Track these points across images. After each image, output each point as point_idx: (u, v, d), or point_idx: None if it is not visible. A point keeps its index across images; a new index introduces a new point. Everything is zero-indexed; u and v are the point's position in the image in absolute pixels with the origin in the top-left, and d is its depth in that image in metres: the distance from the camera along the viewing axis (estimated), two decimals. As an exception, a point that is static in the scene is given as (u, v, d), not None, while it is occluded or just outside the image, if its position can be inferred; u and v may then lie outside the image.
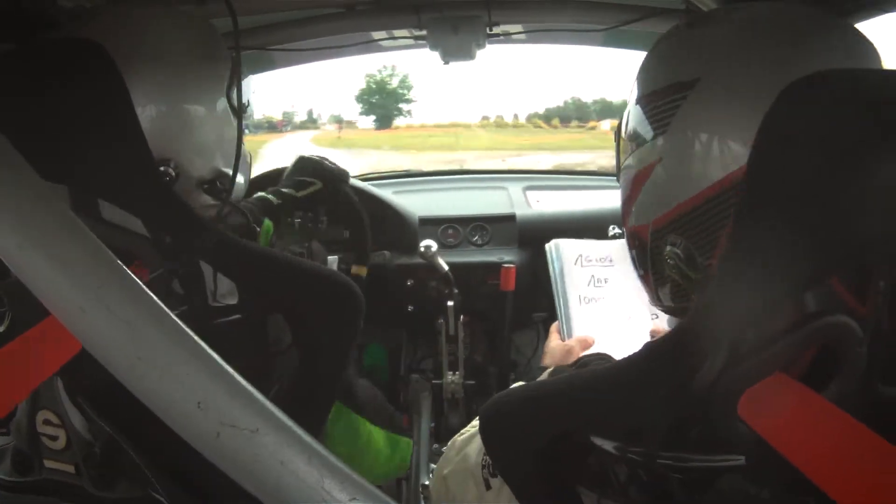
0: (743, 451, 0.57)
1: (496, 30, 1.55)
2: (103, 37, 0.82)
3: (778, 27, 0.67)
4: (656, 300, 0.78)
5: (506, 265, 1.89)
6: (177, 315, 0.53)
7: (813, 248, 0.54)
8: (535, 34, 1.66)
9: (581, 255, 1.22)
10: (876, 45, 0.68)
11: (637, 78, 0.75)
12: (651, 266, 0.74)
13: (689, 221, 0.67)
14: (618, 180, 0.81)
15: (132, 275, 0.54)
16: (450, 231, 2.11)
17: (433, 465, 1.77)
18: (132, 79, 0.83)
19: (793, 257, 0.53)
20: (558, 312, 1.18)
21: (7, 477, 0.83)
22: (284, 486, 0.50)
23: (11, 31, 0.88)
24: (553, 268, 1.21)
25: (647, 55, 0.76)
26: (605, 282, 1.20)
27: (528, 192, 2.35)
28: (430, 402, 1.99)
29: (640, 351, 0.64)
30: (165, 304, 0.54)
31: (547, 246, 1.21)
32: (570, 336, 1.15)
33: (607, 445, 0.64)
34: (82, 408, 0.77)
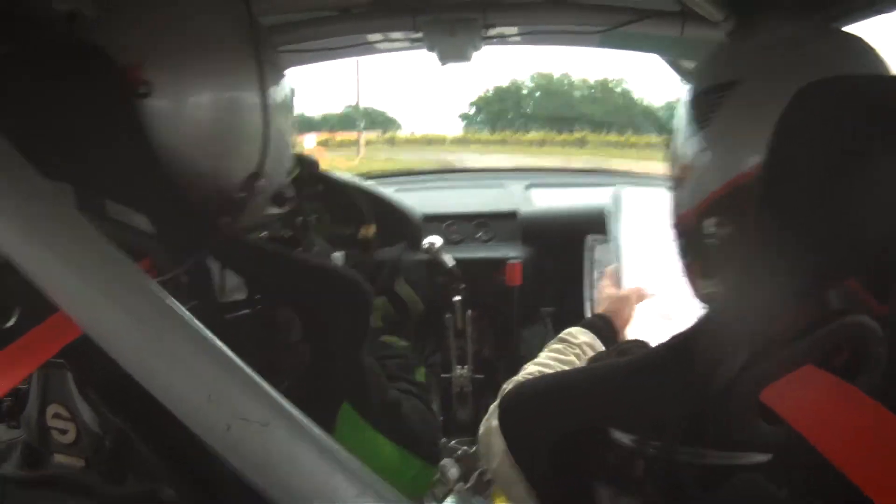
0: (762, 449, 0.57)
1: (492, 32, 1.56)
2: (127, 38, 0.82)
3: (805, 43, 0.74)
4: (697, 289, 0.82)
5: (511, 261, 1.89)
6: (186, 310, 0.53)
7: (830, 248, 0.54)
8: (531, 36, 1.67)
9: (642, 206, 1.26)
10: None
11: (689, 81, 0.82)
12: (695, 248, 0.78)
13: (724, 203, 0.72)
14: (671, 180, 0.86)
15: (140, 269, 0.54)
16: (453, 227, 2.12)
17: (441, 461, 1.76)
18: (161, 81, 0.82)
19: (810, 257, 0.54)
20: (615, 256, 1.22)
21: (17, 471, 0.82)
22: (295, 479, 0.50)
23: (8, 33, 0.87)
24: (613, 213, 1.25)
25: (698, 63, 0.83)
26: (664, 234, 1.23)
27: (530, 190, 2.36)
28: (440, 397, 2.00)
29: (662, 345, 0.65)
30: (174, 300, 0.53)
31: (612, 192, 1.27)
32: (622, 277, 1.18)
33: (625, 439, 0.65)
34: (92, 401, 0.76)
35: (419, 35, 1.54)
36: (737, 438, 0.57)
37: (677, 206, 0.82)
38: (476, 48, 1.56)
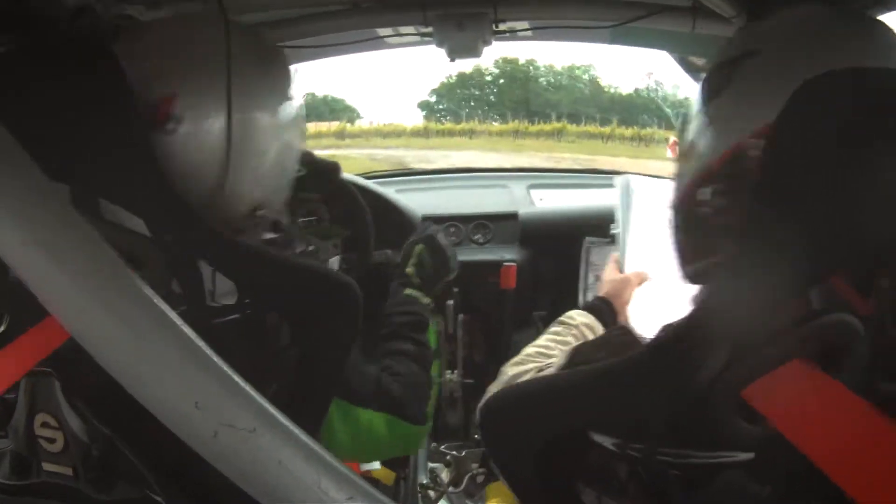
0: (744, 448, 0.57)
1: (502, 27, 1.54)
2: (154, 68, 0.84)
3: (829, 28, 0.72)
4: (686, 268, 0.81)
5: (506, 263, 1.88)
6: (176, 315, 0.53)
7: (817, 246, 0.54)
8: (542, 31, 1.66)
9: (649, 193, 1.27)
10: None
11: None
12: (688, 223, 0.77)
13: (720, 173, 0.71)
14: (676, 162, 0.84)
15: (132, 274, 0.53)
16: (452, 229, 2.10)
17: (431, 465, 1.77)
18: (190, 116, 0.85)
19: (797, 255, 0.54)
20: (620, 244, 1.23)
21: (5, 480, 0.82)
22: (282, 485, 0.50)
23: (14, 30, 0.87)
24: (621, 200, 1.26)
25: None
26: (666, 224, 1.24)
27: (532, 191, 2.35)
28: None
29: (643, 347, 0.64)
30: (164, 304, 0.53)
31: (617, 180, 1.28)
32: (625, 263, 1.20)
33: (607, 442, 0.64)
34: (80, 410, 0.77)
35: (429, 30, 1.53)
36: (718, 438, 0.58)
37: (677, 185, 0.81)
38: (486, 43, 1.54)
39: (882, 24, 0.73)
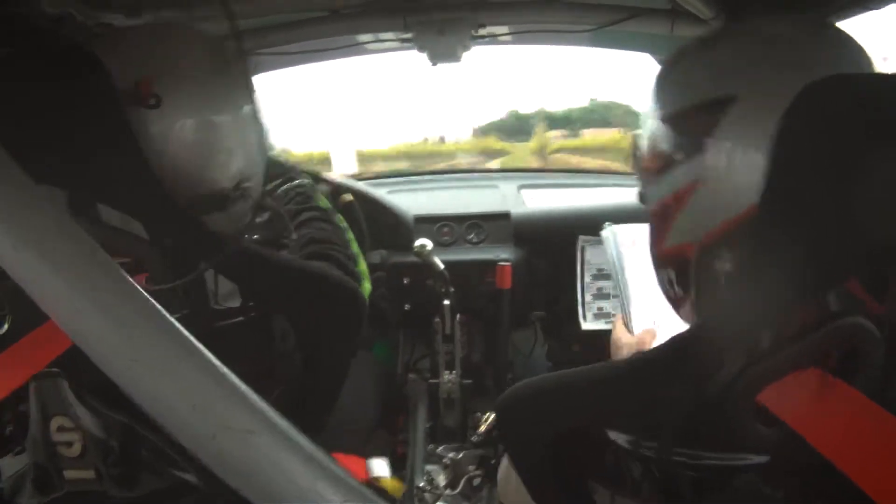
0: (759, 451, 0.58)
1: (482, 31, 1.56)
2: (134, 58, 0.86)
3: (800, 42, 0.67)
4: (690, 320, 0.76)
5: (501, 263, 1.89)
6: (179, 318, 0.53)
7: (832, 250, 0.55)
8: (522, 35, 1.67)
9: (636, 239, 1.21)
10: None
11: (656, 96, 0.73)
12: (696, 283, 0.71)
13: (737, 232, 0.64)
14: (641, 201, 0.79)
15: (128, 276, 0.54)
16: (445, 229, 2.11)
17: (428, 467, 1.77)
18: (169, 96, 0.85)
19: (811, 259, 0.54)
20: (621, 299, 1.18)
21: (30, 500, 0.82)
22: (278, 487, 0.50)
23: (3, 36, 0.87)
24: (612, 255, 1.21)
25: (664, 72, 0.75)
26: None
27: (522, 191, 2.36)
28: (427, 402, 1.99)
29: (660, 347, 0.65)
30: (167, 307, 0.54)
31: (603, 233, 1.22)
32: (632, 321, 1.15)
33: (621, 440, 0.65)
34: (91, 405, 0.77)
35: (409, 35, 1.54)
36: (733, 440, 0.58)
37: (669, 236, 0.73)
38: (466, 48, 1.56)
39: (846, 33, 0.69)
